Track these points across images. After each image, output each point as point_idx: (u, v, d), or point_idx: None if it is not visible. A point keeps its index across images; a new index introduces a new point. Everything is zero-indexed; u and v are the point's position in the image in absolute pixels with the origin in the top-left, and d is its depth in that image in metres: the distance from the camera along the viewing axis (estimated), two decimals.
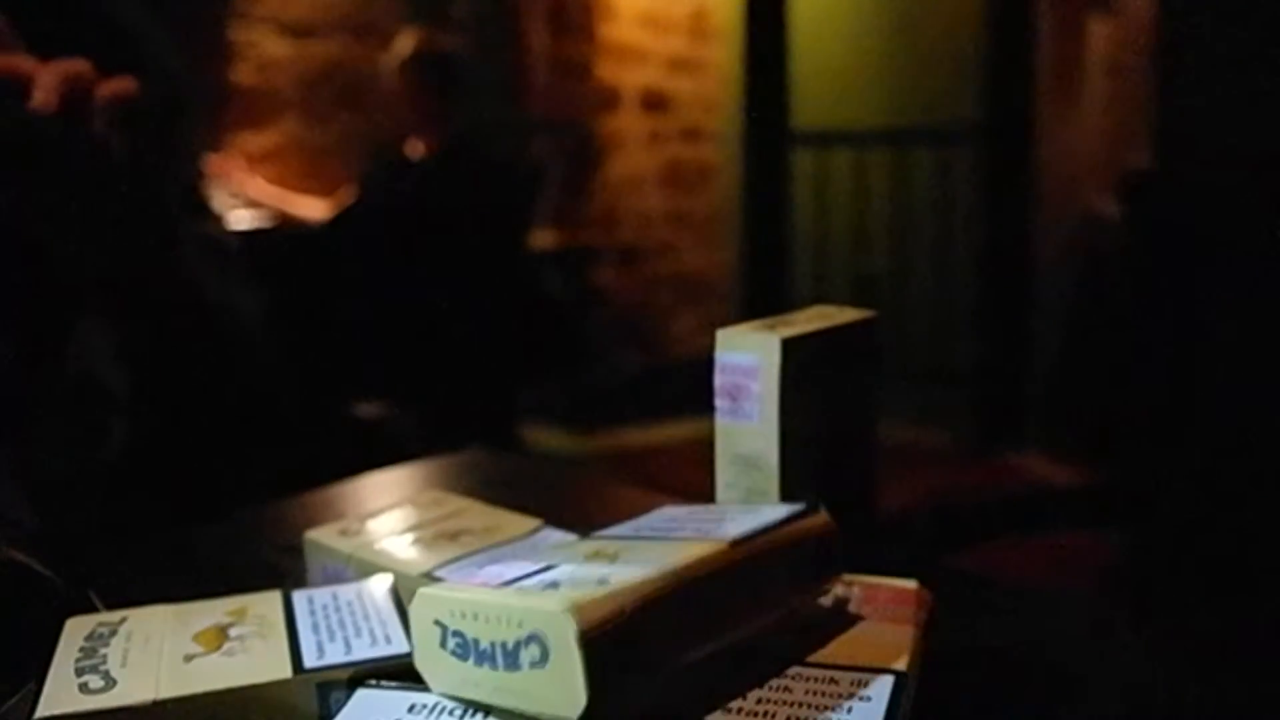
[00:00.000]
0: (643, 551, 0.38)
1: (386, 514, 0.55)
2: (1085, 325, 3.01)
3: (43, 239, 0.72)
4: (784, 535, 0.40)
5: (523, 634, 0.33)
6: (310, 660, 0.39)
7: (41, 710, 0.36)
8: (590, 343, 3.51)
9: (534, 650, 0.33)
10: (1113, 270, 2.79)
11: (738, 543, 0.38)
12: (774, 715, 0.35)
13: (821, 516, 0.42)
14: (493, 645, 0.34)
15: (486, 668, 0.34)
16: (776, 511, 0.42)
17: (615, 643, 0.33)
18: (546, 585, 0.35)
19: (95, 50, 0.64)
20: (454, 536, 0.51)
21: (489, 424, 2.64)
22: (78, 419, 0.77)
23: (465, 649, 0.35)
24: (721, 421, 0.51)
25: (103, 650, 0.40)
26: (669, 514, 0.44)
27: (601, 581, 0.34)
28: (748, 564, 0.38)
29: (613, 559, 0.38)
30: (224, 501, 0.71)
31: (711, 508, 0.45)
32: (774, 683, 0.37)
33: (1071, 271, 3.14)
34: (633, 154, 3.62)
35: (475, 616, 0.34)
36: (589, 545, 0.40)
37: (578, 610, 0.32)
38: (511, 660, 0.33)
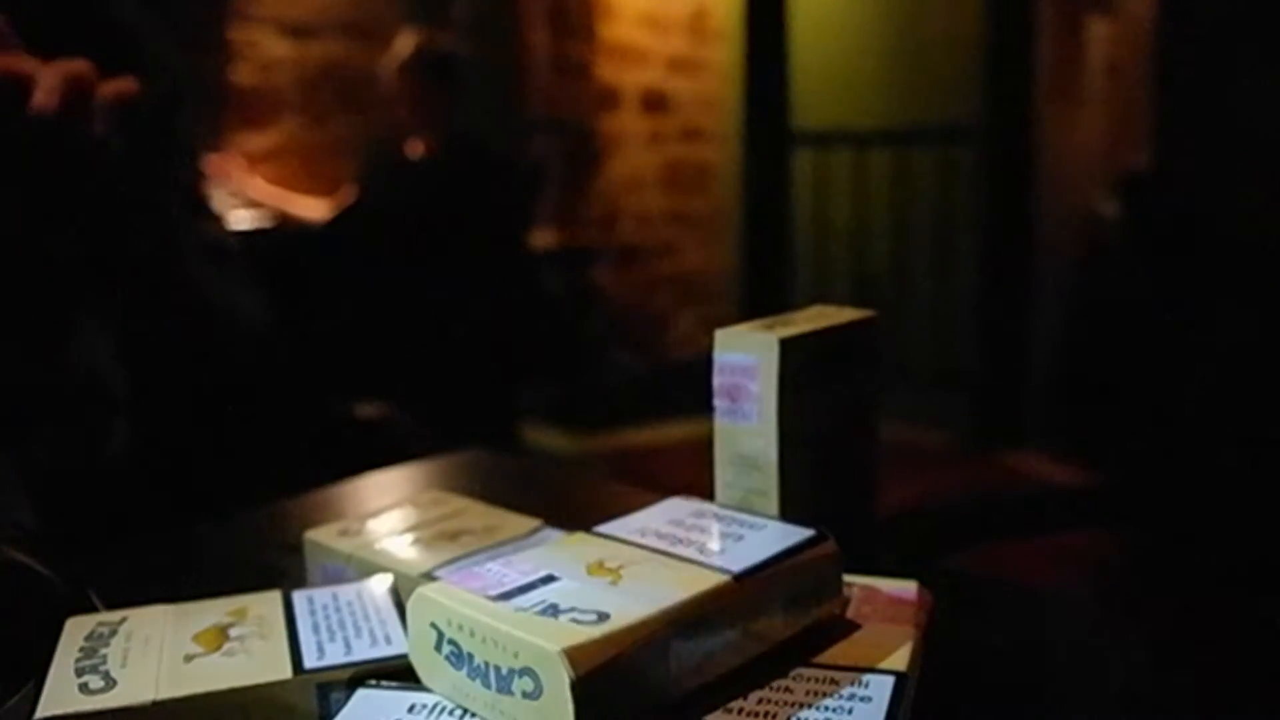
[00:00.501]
0: (645, 574, 0.38)
1: (386, 514, 0.55)
2: (1085, 325, 3.02)
3: (43, 239, 0.72)
4: (789, 567, 0.39)
5: (517, 664, 0.33)
6: (310, 660, 0.39)
7: (41, 710, 0.36)
8: (590, 343, 3.51)
9: (527, 683, 0.33)
10: (1112, 270, 2.79)
11: (741, 578, 0.38)
12: (774, 715, 0.35)
13: (829, 545, 0.41)
14: (486, 665, 0.34)
15: (479, 683, 0.34)
16: (782, 536, 0.41)
17: (609, 684, 0.33)
18: (545, 608, 0.35)
19: (95, 50, 0.64)
20: (454, 536, 0.51)
21: (489, 424, 2.64)
22: (78, 419, 0.77)
23: (460, 659, 0.35)
24: (721, 421, 0.51)
25: (103, 650, 0.40)
26: (674, 513, 0.44)
27: (601, 616, 0.34)
28: (750, 598, 0.38)
29: (615, 578, 0.37)
30: (224, 501, 0.71)
31: (717, 512, 0.44)
32: (775, 683, 0.37)
33: (1071, 271, 3.14)
34: (633, 154, 3.62)
35: (472, 633, 0.34)
36: (591, 550, 0.40)
37: (573, 654, 0.32)
38: (504, 685, 0.34)
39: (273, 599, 0.44)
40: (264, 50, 3.12)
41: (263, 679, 0.38)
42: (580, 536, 0.42)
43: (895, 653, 0.39)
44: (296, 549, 0.53)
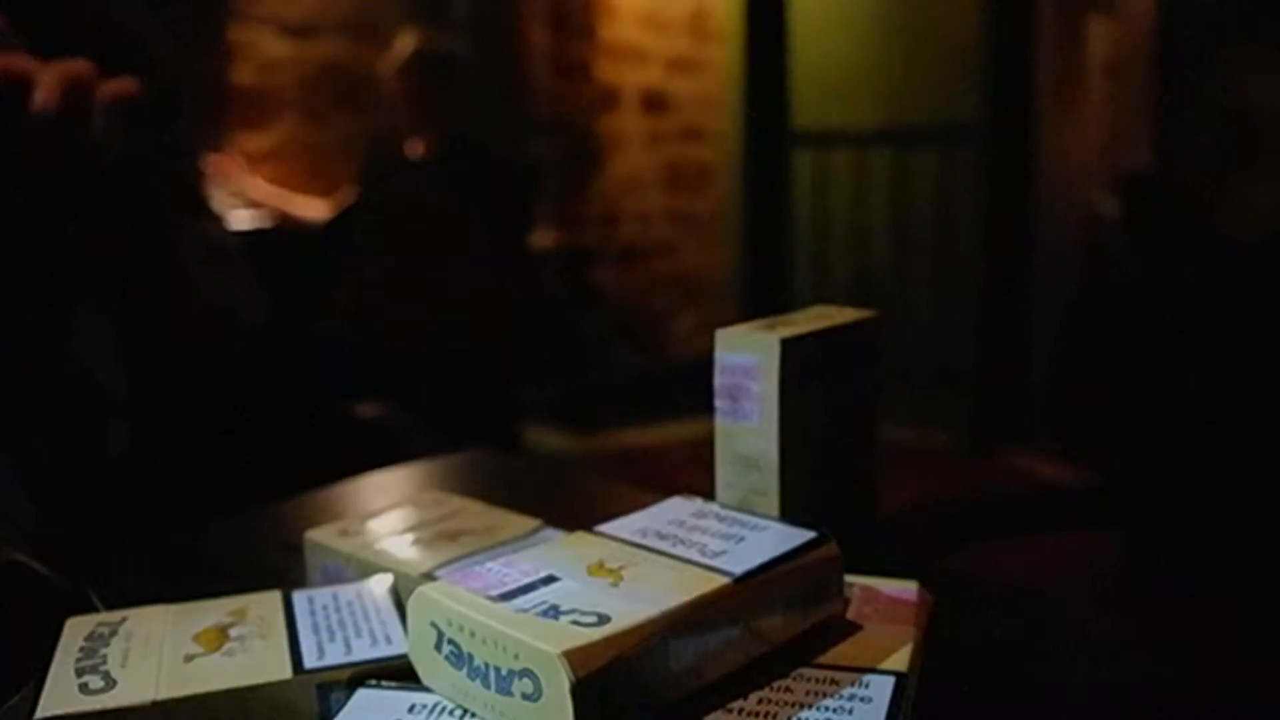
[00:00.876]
0: (645, 576, 0.38)
1: (386, 514, 0.55)
2: (1085, 325, 3.01)
3: (43, 239, 0.72)
4: (790, 569, 0.39)
5: (517, 666, 0.33)
6: (310, 660, 0.39)
7: (41, 710, 0.36)
8: (590, 343, 3.51)
9: (526, 684, 0.33)
10: (1112, 270, 2.79)
11: (742, 579, 0.38)
12: (775, 715, 0.35)
13: (830, 548, 0.41)
14: (486, 665, 0.34)
15: (478, 684, 0.34)
16: (783, 538, 0.41)
17: (609, 686, 0.33)
18: (546, 610, 0.35)
19: (95, 50, 0.64)
20: (454, 536, 0.51)
21: (489, 424, 2.64)
22: (77, 419, 0.77)
23: (459, 660, 0.35)
24: (721, 421, 0.51)
25: (103, 650, 0.40)
26: (675, 513, 0.44)
27: (601, 618, 0.34)
28: (750, 600, 0.38)
29: (615, 580, 0.37)
30: (224, 501, 0.71)
31: (719, 512, 0.44)
32: (775, 683, 0.37)
33: (1071, 271, 3.14)
34: (633, 154, 3.62)
35: (473, 634, 0.34)
36: (592, 550, 0.40)
37: (573, 656, 0.32)
38: (504, 686, 0.33)
39: (273, 599, 0.44)
40: (264, 50, 3.12)
41: (263, 679, 0.38)
42: (581, 536, 0.42)
43: (895, 653, 0.39)
44: (296, 549, 0.53)
